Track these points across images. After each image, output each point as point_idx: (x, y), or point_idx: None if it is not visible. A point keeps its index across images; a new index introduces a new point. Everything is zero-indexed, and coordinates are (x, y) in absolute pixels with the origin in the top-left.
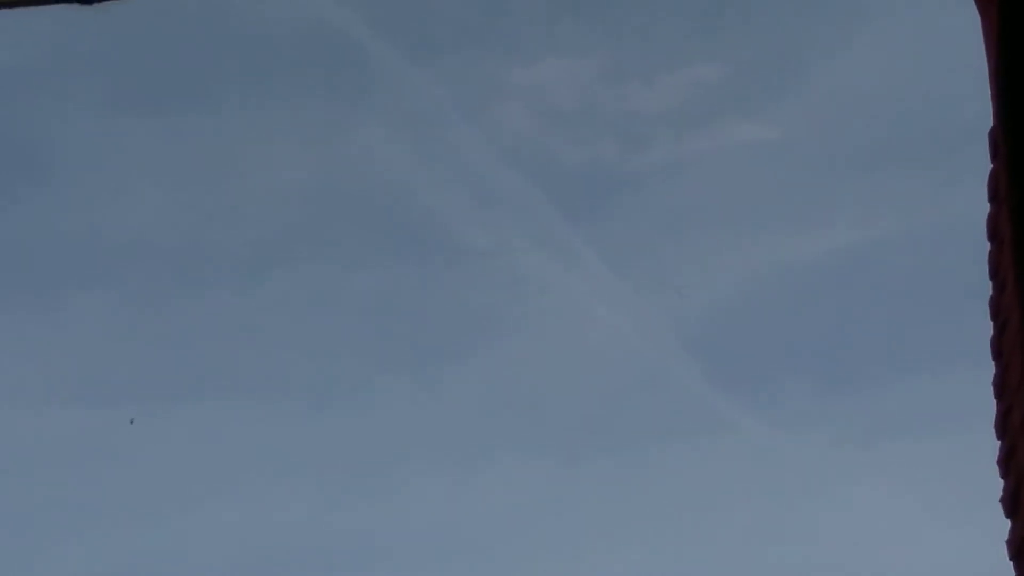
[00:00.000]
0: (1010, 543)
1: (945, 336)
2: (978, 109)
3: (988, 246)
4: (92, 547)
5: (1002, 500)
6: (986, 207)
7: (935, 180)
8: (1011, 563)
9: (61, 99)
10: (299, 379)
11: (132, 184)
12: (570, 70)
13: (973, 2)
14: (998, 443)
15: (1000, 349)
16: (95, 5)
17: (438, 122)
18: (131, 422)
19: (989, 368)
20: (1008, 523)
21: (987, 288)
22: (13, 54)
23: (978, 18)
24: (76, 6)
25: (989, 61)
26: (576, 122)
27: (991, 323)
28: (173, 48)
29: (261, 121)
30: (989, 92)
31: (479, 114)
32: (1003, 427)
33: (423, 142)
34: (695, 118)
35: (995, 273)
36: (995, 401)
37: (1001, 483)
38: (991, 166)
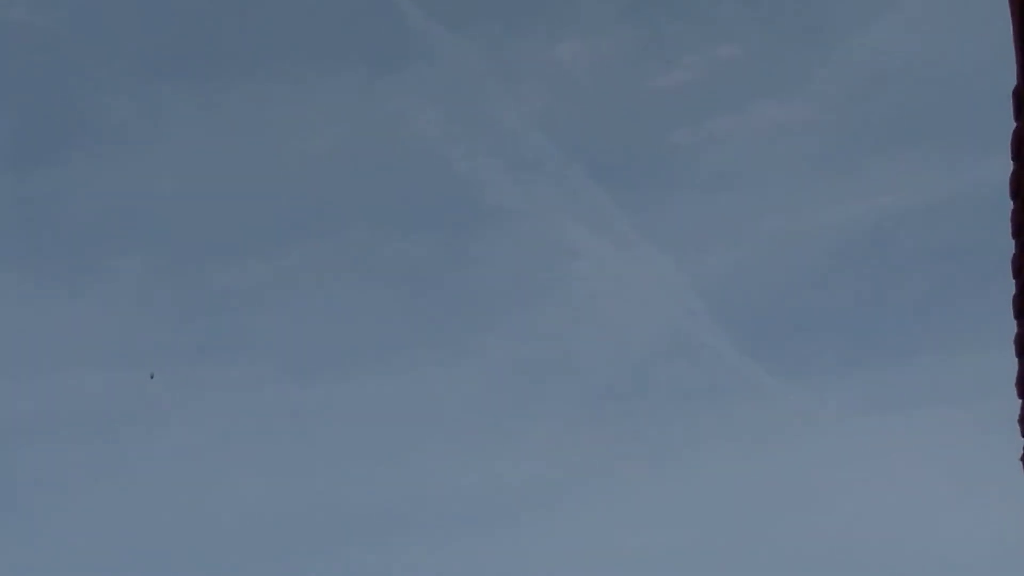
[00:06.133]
0: None
1: (969, 304)
2: (1005, 77)
3: (1011, 205)
4: (118, 508)
5: (1023, 458)
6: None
7: (964, 151)
8: None
9: (101, 64)
10: (329, 344)
11: (169, 150)
12: (603, 45)
13: None
14: (1019, 401)
15: (1022, 308)
16: None
17: (473, 90)
18: (151, 376)
19: (1011, 335)
20: None
21: (1009, 248)
22: (57, 19)
23: None
24: None
25: (1014, 22)
26: (607, 95)
27: (1013, 281)
28: (212, 15)
29: (298, 87)
30: (1014, 53)
31: (514, 84)
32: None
33: (458, 109)
34: (725, 95)
35: (1018, 231)
36: (1016, 360)
37: (1022, 441)
38: (1014, 125)
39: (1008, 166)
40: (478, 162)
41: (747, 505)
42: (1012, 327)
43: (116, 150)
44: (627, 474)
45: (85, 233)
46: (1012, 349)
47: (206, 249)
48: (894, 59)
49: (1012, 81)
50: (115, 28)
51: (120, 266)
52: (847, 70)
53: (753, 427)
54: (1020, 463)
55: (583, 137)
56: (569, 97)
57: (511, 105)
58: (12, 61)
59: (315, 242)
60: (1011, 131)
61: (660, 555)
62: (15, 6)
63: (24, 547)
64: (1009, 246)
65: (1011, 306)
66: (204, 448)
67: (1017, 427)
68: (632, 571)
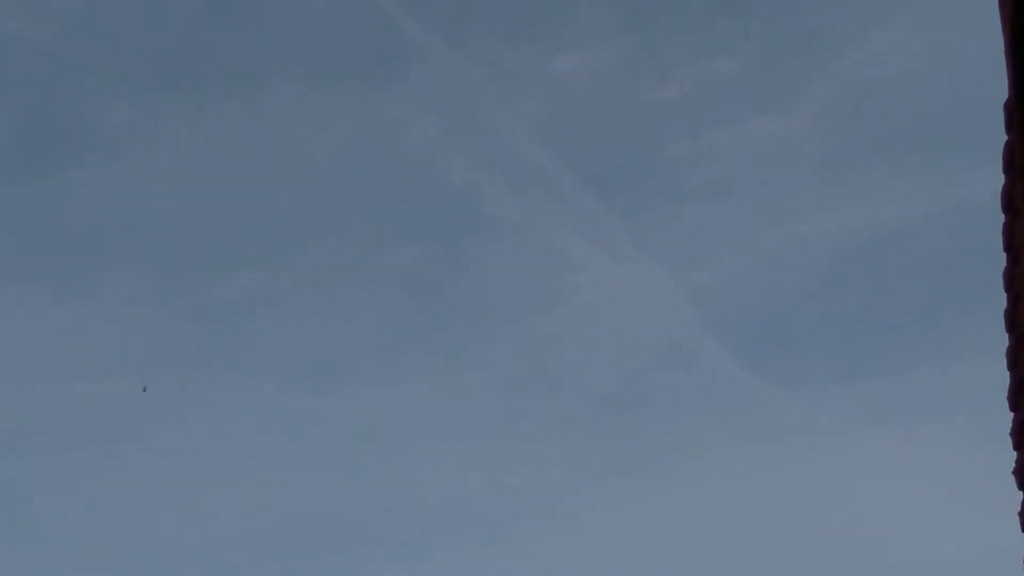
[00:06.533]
0: (1023, 514)
1: (966, 316)
2: (1000, 88)
3: (1003, 217)
4: (114, 518)
5: (1015, 472)
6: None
7: (960, 162)
8: None
9: (97, 75)
10: (327, 352)
11: (166, 159)
12: (601, 57)
13: None
14: (1011, 415)
15: (1014, 321)
16: None
17: (471, 101)
18: (144, 390)
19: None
20: (1021, 495)
21: (1001, 261)
22: (55, 30)
23: None
24: None
25: (1005, 35)
26: (605, 107)
27: (1005, 295)
28: (209, 25)
29: (296, 97)
30: (1005, 66)
31: (512, 95)
32: (1016, 399)
33: (456, 120)
34: (722, 107)
35: (1009, 245)
36: (1008, 373)
37: (1015, 454)
38: (1006, 138)
39: (1001, 179)
40: (475, 172)
41: (743, 515)
42: (1005, 337)
43: (112, 160)
44: (624, 483)
45: (81, 242)
46: (1005, 362)
47: (204, 258)
48: (891, 71)
49: (1005, 93)
50: (112, 38)
51: (116, 275)
52: (843, 82)
53: (749, 437)
54: (1013, 476)
55: (581, 149)
56: (567, 109)
57: (509, 116)
58: (9, 71)
59: (312, 251)
60: (1003, 143)
61: (656, 563)
62: (12, 17)
63: (20, 557)
64: (1002, 259)
65: (1003, 320)
66: (202, 457)
67: (1010, 440)
68: None
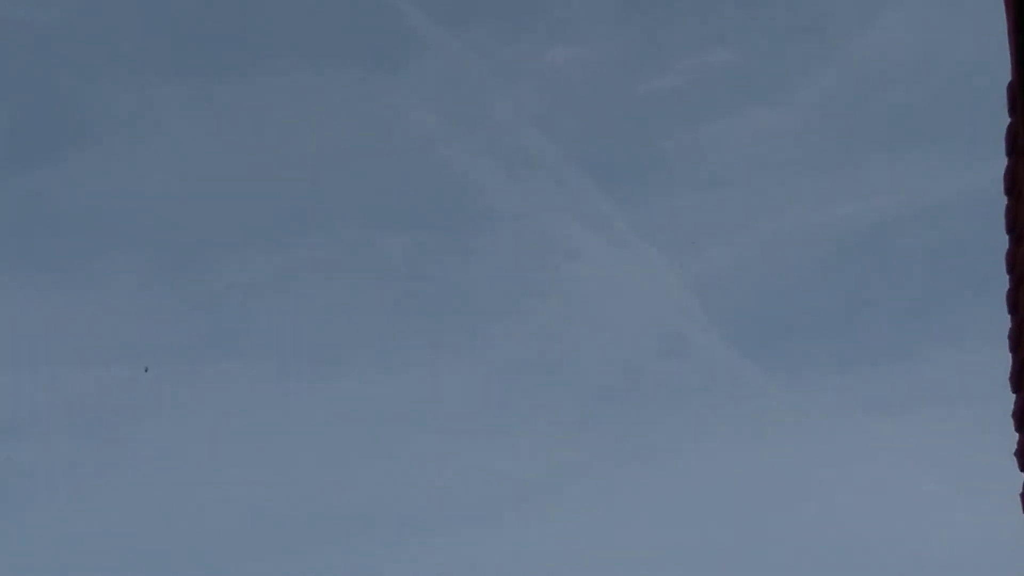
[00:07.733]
0: None
1: (964, 304)
2: (1002, 75)
3: (1005, 200)
4: (113, 505)
5: (1016, 453)
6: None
7: (961, 151)
8: None
9: (99, 61)
10: (324, 342)
11: (166, 147)
12: (599, 48)
13: None
14: (1014, 396)
15: (1016, 303)
16: None
17: (469, 90)
18: (146, 370)
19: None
20: (1022, 476)
21: (1000, 247)
22: (58, 16)
23: None
24: None
25: (1008, 15)
26: (603, 97)
27: (1007, 278)
28: (209, 11)
29: (294, 84)
30: (1008, 45)
31: (511, 84)
32: (1019, 380)
33: (455, 108)
34: (721, 97)
35: (1012, 228)
36: (1010, 355)
37: (1016, 437)
38: (1009, 120)
39: (1000, 166)
40: (474, 161)
41: (741, 504)
42: (1005, 325)
43: (112, 146)
44: (620, 472)
45: (81, 229)
46: (1006, 346)
47: (203, 246)
48: (891, 61)
49: (1008, 78)
50: (113, 25)
51: (116, 263)
52: (842, 72)
53: (747, 426)
54: (1014, 458)
55: (579, 138)
56: (565, 98)
57: (508, 105)
58: (12, 58)
59: (310, 240)
60: (1006, 126)
61: (652, 554)
62: (16, 3)
63: (16, 544)
64: (1003, 244)
65: (1005, 302)
66: (200, 445)
67: (1011, 422)
68: (624, 570)
